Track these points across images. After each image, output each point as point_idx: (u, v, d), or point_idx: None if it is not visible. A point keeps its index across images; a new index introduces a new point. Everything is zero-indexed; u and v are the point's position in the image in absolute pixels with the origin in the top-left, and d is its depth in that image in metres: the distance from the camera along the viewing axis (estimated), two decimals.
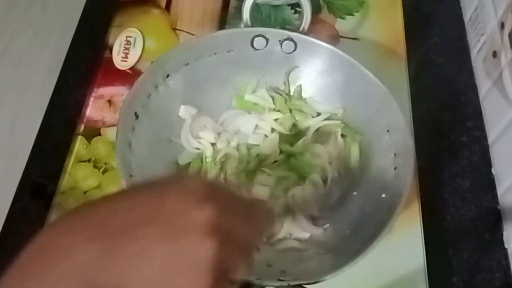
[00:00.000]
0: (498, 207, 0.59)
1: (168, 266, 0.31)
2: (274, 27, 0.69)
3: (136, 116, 0.54)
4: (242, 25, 0.61)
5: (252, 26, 0.61)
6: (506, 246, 0.57)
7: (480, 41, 0.68)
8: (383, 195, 0.53)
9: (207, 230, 0.32)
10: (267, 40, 0.60)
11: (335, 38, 0.72)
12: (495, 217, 0.59)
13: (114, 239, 0.31)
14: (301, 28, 0.61)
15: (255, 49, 0.61)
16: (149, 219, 0.32)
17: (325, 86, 0.61)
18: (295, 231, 0.55)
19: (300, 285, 0.46)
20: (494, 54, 0.63)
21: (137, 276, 0.31)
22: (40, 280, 0.30)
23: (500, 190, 0.60)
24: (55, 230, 0.33)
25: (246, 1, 0.61)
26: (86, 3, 0.72)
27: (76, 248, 0.31)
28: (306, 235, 0.55)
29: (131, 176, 0.50)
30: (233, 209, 0.35)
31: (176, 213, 0.32)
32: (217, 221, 0.32)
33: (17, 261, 0.31)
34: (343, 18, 0.74)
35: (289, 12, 0.72)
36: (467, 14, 0.73)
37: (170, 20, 0.73)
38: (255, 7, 0.70)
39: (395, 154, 0.55)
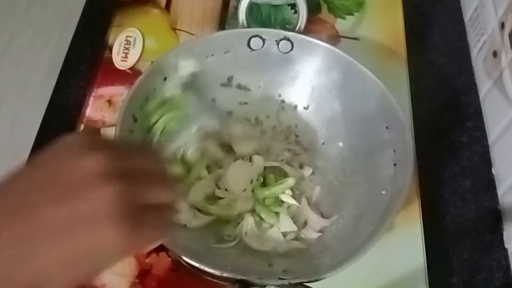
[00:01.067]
0: (498, 207, 0.59)
1: (77, 228, 0.30)
2: (274, 27, 0.69)
3: (134, 119, 0.54)
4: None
5: (250, 26, 0.61)
6: (506, 246, 0.57)
7: (480, 41, 0.68)
8: (383, 192, 0.53)
9: (104, 175, 0.30)
10: (263, 40, 0.60)
11: (335, 38, 0.72)
12: (495, 217, 0.59)
13: (7, 224, 0.29)
14: (297, 28, 0.61)
15: (252, 50, 0.61)
16: (38, 190, 0.30)
17: (323, 85, 0.61)
18: (309, 233, 0.55)
19: (301, 283, 0.46)
20: (495, 54, 0.63)
21: (47, 250, 0.29)
22: None
23: (500, 190, 0.60)
24: None
25: (242, 2, 0.61)
26: (86, 3, 0.72)
27: None
28: (316, 235, 0.55)
29: None
30: (123, 148, 0.35)
31: (62, 172, 0.31)
32: (111, 163, 0.31)
33: None
34: (343, 18, 0.74)
35: (289, 12, 0.72)
36: (468, 14, 0.73)
37: (170, 20, 0.73)
38: (256, 7, 0.71)
39: (394, 151, 0.55)
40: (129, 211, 0.31)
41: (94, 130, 0.63)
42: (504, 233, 0.58)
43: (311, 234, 0.55)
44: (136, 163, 0.33)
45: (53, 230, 0.29)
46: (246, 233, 0.54)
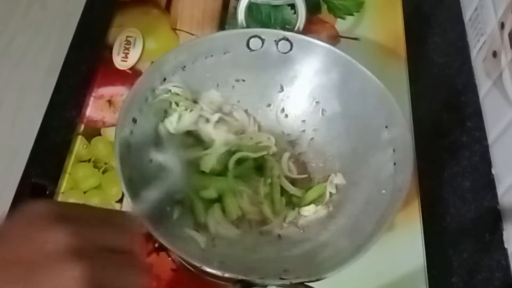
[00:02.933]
0: (498, 207, 0.59)
1: None
2: (274, 27, 0.69)
3: (134, 121, 0.54)
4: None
5: (250, 26, 0.61)
6: (506, 246, 0.57)
7: (480, 41, 0.68)
8: (383, 191, 0.53)
9: (64, 252, 0.29)
10: (262, 40, 0.60)
11: (335, 38, 0.72)
12: (495, 217, 0.59)
13: None
14: (296, 28, 0.61)
15: (251, 50, 0.61)
16: (8, 266, 0.29)
17: (322, 85, 0.61)
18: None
19: (302, 283, 0.46)
20: (494, 54, 0.63)
21: None
22: None
23: (500, 190, 0.60)
24: None
25: (241, 3, 0.61)
26: (86, 3, 0.72)
27: None
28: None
29: (130, 180, 0.50)
30: (88, 219, 0.32)
31: (23, 250, 0.29)
32: (72, 237, 0.30)
33: None
34: (343, 18, 0.74)
35: (289, 12, 0.72)
36: (467, 14, 0.73)
37: (170, 20, 0.73)
38: (255, 7, 0.71)
39: (394, 150, 0.55)
40: (85, 253, 0.30)
41: (94, 130, 0.63)
42: (504, 233, 0.58)
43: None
44: (105, 240, 0.32)
45: None
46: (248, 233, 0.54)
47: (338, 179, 0.58)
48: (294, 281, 0.46)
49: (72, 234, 0.30)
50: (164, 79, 0.57)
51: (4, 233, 0.31)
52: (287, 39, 0.60)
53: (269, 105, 0.64)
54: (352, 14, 0.74)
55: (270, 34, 0.60)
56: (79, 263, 0.29)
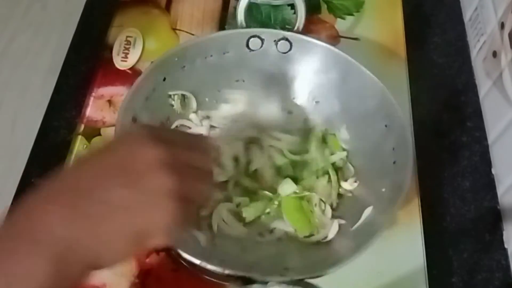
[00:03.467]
0: (498, 207, 0.59)
1: (135, 207, 0.36)
2: (274, 27, 0.69)
3: (134, 119, 0.54)
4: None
5: (249, 26, 0.61)
6: (506, 246, 0.57)
7: (480, 41, 0.68)
8: (383, 189, 0.53)
9: (161, 165, 0.36)
10: (262, 40, 0.60)
11: (335, 38, 0.72)
12: (495, 217, 0.59)
13: (84, 201, 0.35)
14: (295, 28, 0.61)
15: (251, 50, 0.61)
16: (110, 174, 0.36)
17: (322, 84, 0.61)
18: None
19: (303, 280, 0.46)
20: (494, 54, 0.63)
21: (109, 226, 0.35)
22: (14, 250, 0.33)
23: (500, 190, 0.60)
24: (34, 200, 0.36)
25: (240, 3, 0.61)
26: (86, 3, 0.72)
27: (50, 216, 0.34)
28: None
29: None
30: (180, 142, 0.41)
31: (130, 160, 0.37)
32: (168, 154, 0.37)
33: None
34: (343, 18, 0.74)
35: (289, 12, 0.72)
36: (467, 14, 0.73)
37: (170, 20, 0.73)
38: (255, 7, 0.71)
39: (393, 148, 0.55)
40: (179, 197, 0.37)
41: (94, 130, 0.63)
42: (504, 233, 0.58)
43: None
44: (191, 159, 0.40)
45: (119, 208, 0.35)
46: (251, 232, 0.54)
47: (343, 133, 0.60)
48: (295, 278, 0.46)
49: (168, 152, 0.37)
50: (164, 79, 0.57)
51: (114, 147, 0.39)
52: (287, 39, 0.60)
53: (269, 105, 0.64)
54: (352, 14, 0.74)
55: (270, 34, 0.60)
56: (171, 173, 0.37)
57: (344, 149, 0.60)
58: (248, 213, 0.55)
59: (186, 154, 0.40)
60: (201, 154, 0.42)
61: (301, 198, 0.56)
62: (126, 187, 0.36)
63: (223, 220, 0.55)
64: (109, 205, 0.35)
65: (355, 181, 0.57)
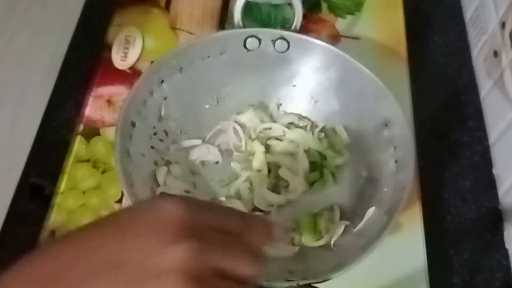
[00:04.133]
0: (499, 207, 0.59)
1: None
2: (274, 26, 0.69)
3: (133, 124, 0.54)
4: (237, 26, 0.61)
5: (246, 26, 0.61)
6: (506, 246, 0.57)
7: (481, 41, 0.67)
8: (385, 189, 0.53)
9: (185, 272, 0.26)
10: (259, 40, 0.60)
11: (335, 38, 0.72)
12: (496, 217, 0.59)
13: None
14: (293, 27, 0.61)
15: (248, 50, 0.61)
16: (110, 266, 0.26)
17: (321, 84, 0.61)
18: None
19: (309, 284, 0.46)
20: (495, 54, 0.63)
21: None
22: None
23: (501, 190, 0.59)
24: (13, 279, 0.27)
25: (237, 3, 0.60)
26: (86, 2, 0.72)
27: None
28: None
29: (131, 185, 0.50)
30: (220, 237, 0.29)
31: (143, 254, 0.26)
32: (198, 258, 0.26)
33: None
34: (343, 17, 0.74)
35: (289, 11, 0.71)
36: (468, 13, 0.73)
37: (170, 20, 0.72)
38: (255, 6, 0.70)
39: (394, 148, 0.55)
40: (202, 279, 0.26)
41: (93, 130, 0.63)
42: (505, 233, 0.57)
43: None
44: (234, 244, 0.29)
45: None
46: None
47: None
48: (301, 283, 0.46)
49: (194, 255, 0.27)
50: (162, 81, 0.57)
51: (125, 230, 0.28)
52: (284, 38, 0.60)
53: (268, 105, 0.63)
54: (352, 13, 0.74)
55: (267, 33, 0.60)
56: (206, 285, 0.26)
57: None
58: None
59: (228, 258, 0.28)
60: (250, 251, 0.30)
61: (319, 215, 0.56)
62: (128, 286, 0.26)
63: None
64: None
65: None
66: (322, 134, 0.60)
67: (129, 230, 0.28)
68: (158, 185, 0.56)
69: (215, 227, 0.29)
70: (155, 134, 0.57)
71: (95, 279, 0.26)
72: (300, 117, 0.62)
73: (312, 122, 0.62)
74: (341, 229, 0.54)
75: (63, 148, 0.61)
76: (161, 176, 0.56)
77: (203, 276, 0.27)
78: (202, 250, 0.27)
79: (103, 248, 0.27)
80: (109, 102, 0.65)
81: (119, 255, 0.27)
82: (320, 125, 0.61)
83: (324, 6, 0.75)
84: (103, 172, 0.61)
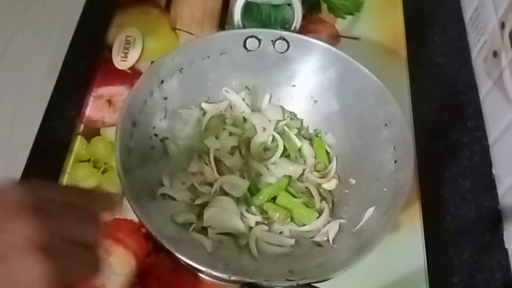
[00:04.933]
0: (499, 207, 0.59)
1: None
2: (274, 27, 0.69)
3: (133, 124, 0.54)
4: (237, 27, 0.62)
5: (246, 26, 0.61)
6: (506, 246, 0.57)
7: (480, 41, 0.68)
8: (385, 189, 0.53)
9: (29, 247, 0.29)
10: (259, 40, 0.60)
11: (335, 38, 0.72)
12: (496, 217, 0.59)
13: None
14: (292, 27, 0.61)
15: (248, 50, 0.61)
16: None
17: (320, 84, 0.61)
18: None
19: (309, 284, 0.46)
20: (495, 54, 0.63)
21: None
22: None
23: (501, 190, 0.60)
24: None
25: (237, 3, 0.60)
26: (86, 2, 0.72)
27: None
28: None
29: (132, 185, 0.50)
30: (59, 210, 0.32)
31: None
32: (39, 232, 0.29)
33: None
34: (343, 18, 0.74)
35: (289, 11, 0.71)
36: (468, 14, 0.73)
37: (170, 20, 0.73)
38: (255, 6, 0.71)
39: (394, 148, 0.55)
40: (51, 248, 0.30)
41: (93, 130, 0.63)
42: (505, 233, 0.58)
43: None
44: (70, 233, 0.32)
45: None
46: (256, 238, 0.54)
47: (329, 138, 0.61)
48: (301, 282, 0.46)
49: (39, 227, 0.30)
50: (162, 82, 0.57)
51: None
52: (284, 39, 0.60)
53: (267, 105, 0.63)
54: (352, 14, 0.74)
55: (267, 34, 0.60)
56: (43, 258, 0.29)
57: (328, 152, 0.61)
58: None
59: (64, 227, 0.32)
60: (85, 223, 0.34)
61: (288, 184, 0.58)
62: None
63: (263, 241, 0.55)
64: None
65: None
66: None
67: None
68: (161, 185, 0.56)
69: (60, 203, 0.32)
70: (155, 134, 0.57)
71: None
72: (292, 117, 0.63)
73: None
74: (336, 226, 0.55)
75: (64, 148, 0.61)
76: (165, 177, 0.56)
77: (51, 245, 0.30)
78: (47, 222, 0.30)
79: None
80: (109, 102, 0.65)
81: None
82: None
83: (324, 6, 0.75)
84: (104, 172, 0.61)
